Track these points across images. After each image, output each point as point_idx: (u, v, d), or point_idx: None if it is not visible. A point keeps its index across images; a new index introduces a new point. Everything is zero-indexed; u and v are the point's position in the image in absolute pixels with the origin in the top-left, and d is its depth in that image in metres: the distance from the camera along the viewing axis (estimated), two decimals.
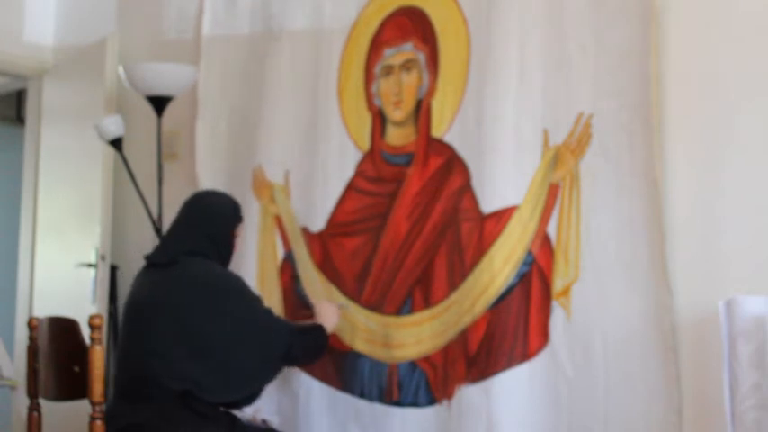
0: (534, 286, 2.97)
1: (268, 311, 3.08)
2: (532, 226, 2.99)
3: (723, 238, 2.63)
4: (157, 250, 3.13)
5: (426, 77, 3.34)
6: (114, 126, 4.06)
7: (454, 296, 3.16)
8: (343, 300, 3.46)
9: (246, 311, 3.00)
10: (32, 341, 3.13)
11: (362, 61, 3.55)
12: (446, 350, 3.17)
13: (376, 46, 3.52)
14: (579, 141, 2.91)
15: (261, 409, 3.51)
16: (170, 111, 4.07)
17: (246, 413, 3.41)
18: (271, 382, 3.08)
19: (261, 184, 3.83)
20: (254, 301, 3.06)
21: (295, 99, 3.76)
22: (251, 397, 3.07)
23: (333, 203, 3.57)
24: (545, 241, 2.97)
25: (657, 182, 2.72)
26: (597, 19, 2.89)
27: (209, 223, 3.11)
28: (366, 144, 3.51)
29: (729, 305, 2.41)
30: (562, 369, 2.88)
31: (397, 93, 3.42)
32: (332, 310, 3.28)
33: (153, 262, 3.08)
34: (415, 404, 3.24)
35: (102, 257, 4.49)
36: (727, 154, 2.64)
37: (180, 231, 3.11)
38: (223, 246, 3.12)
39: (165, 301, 2.93)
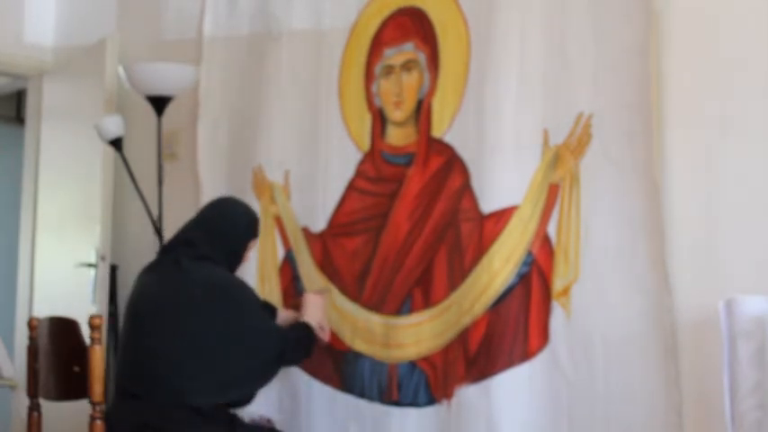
0: (534, 286, 2.97)
1: (263, 319, 3.11)
2: (532, 226, 2.99)
3: (723, 238, 2.62)
4: (167, 249, 3.14)
5: (427, 77, 3.34)
6: (114, 126, 4.06)
7: (454, 296, 3.15)
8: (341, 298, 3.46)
9: (239, 317, 2.98)
10: (32, 341, 3.13)
11: (363, 61, 3.54)
12: (446, 350, 3.16)
13: (376, 46, 3.52)
14: (579, 141, 2.91)
15: (260, 409, 3.51)
16: (170, 111, 4.07)
17: (252, 413, 3.41)
18: (262, 385, 3.08)
19: (261, 184, 3.83)
20: (252, 307, 3.07)
21: (295, 99, 3.76)
22: (242, 400, 3.07)
23: (333, 204, 3.57)
24: (545, 241, 2.97)
25: (657, 182, 2.72)
26: (597, 19, 2.89)
27: (225, 232, 3.13)
28: (366, 144, 3.51)
29: (729, 305, 2.41)
30: (562, 369, 2.88)
31: (398, 93, 3.41)
32: (317, 304, 3.29)
33: (160, 260, 3.08)
34: (414, 404, 3.24)
35: (102, 257, 4.49)
36: (727, 154, 2.64)
37: (194, 233, 3.12)
38: (233, 256, 3.15)
39: (167, 301, 2.94)
